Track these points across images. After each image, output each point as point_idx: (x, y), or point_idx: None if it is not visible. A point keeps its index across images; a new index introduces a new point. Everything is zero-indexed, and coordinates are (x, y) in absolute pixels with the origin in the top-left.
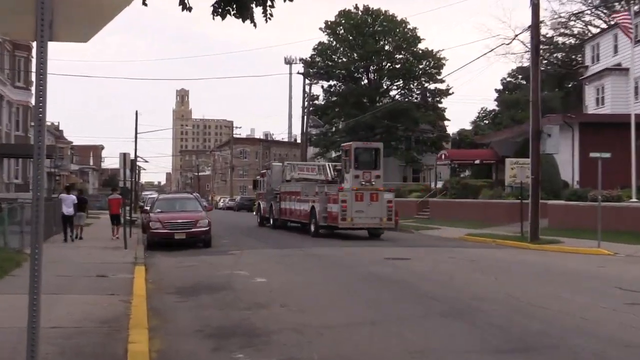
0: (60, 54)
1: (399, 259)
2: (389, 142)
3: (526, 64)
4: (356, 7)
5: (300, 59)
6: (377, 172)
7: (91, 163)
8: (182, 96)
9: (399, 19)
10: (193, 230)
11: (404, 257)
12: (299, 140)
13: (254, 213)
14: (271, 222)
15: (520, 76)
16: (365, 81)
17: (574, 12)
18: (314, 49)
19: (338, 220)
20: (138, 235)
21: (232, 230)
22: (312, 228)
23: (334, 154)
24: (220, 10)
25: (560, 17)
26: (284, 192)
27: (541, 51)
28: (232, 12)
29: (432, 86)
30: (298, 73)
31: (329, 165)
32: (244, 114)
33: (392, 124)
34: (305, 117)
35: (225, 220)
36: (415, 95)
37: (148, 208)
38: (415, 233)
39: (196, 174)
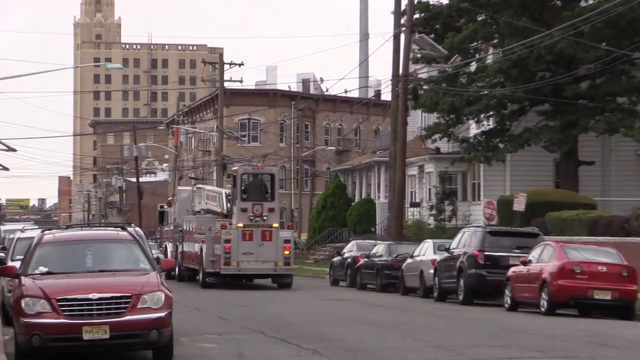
0: None
1: None
2: (607, 97)
3: None
4: None
5: None
6: (271, 205)
7: None
8: None
9: None
10: (127, 318)
11: None
12: (386, 97)
13: None
14: (176, 271)
15: None
16: None
17: None
18: None
19: (220, 264)
20: None
21: (227, 312)
22: (200, 276)
23: (472, 129)
24: None
25: None
26: (186, 229)
27: None
28: None
29: None
30: None
31: (225, 193)
32: (248, 35)
33: (617, 52)
34: (403, 37)
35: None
36: None
37: (17, 265)
38: None
39: (134, 179)
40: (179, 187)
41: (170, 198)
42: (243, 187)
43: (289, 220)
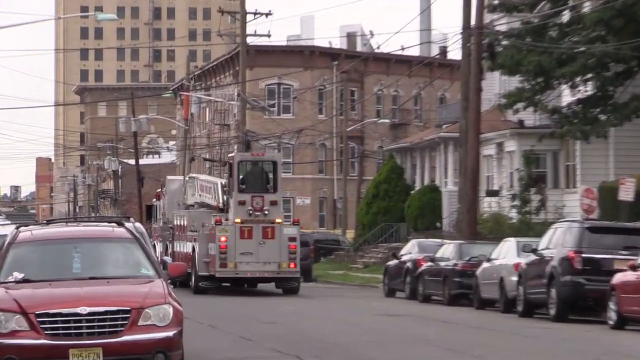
0: None
1: None
2: None
3: None
4: None
5: None
6: (274, 197)
7: None
8: None
9: None
10: (126, 338)
11: None
12: (455, 55)
13: None
14: None
15: None
16: None
17: None
18: None
19: (215, 266)
20: None
21: (250, 329)
22: (192, 280)
23: (566, 96)
24: None
25: None
26: (177, 225)
27: None
28: None
29: None
30: None
31: (221, 183)
32: None
33: None
34: None
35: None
36: None
37: None
38: None
39: (132, 161)
40: (169, 177)
41: (159, 190)
42: (241, 177)
43: (331, 213)
